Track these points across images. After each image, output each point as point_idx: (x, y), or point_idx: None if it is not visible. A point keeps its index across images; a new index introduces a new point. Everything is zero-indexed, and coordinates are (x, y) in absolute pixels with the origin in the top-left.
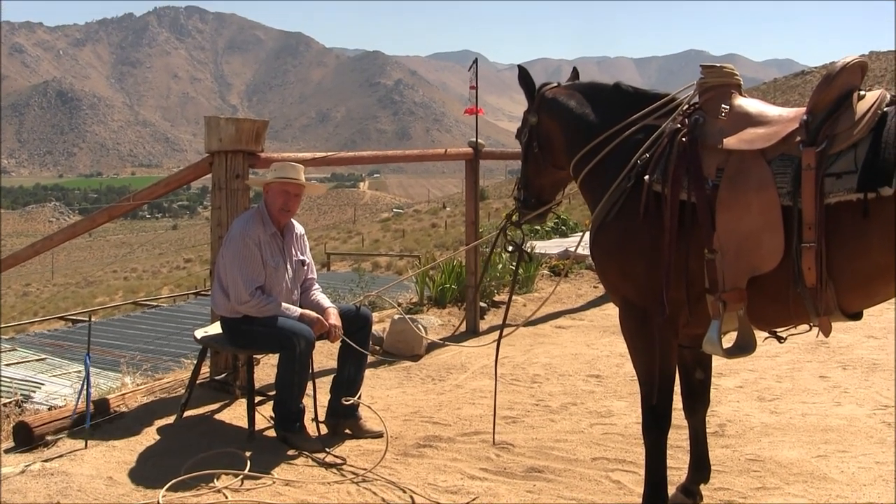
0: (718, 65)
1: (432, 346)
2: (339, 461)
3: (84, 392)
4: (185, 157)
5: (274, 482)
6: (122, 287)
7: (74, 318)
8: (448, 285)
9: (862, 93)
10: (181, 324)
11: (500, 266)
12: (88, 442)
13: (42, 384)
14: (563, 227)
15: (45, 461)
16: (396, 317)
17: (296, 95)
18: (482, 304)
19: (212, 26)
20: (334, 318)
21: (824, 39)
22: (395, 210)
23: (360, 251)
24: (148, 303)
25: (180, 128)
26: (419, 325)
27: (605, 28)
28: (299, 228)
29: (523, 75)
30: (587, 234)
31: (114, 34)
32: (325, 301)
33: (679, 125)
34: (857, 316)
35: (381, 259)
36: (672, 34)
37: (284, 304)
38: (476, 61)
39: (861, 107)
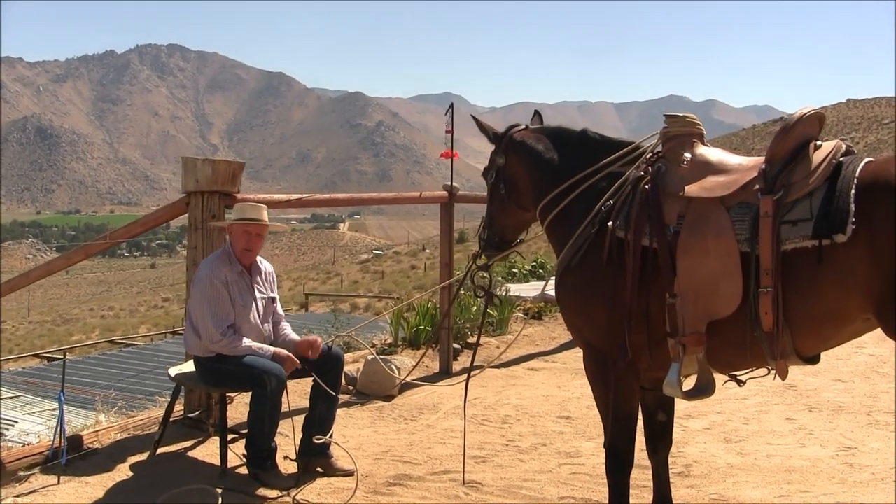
0: (682, 114)
1: (405, 387)
2: (306, 502)
3: (58, 429)
4: (165, 196)
5: None
6: (99, 325)
7: (50, 355)
8: (422, 327)
9: (818, 143)
10: (156, 362)
11: (475, 308)
12: (61, 478)
13: (16, 422)
14: (541, 271)
15: (18, 496)
16: (370, 357)
17: (277, 135)
18: (456, 345)
19: (193, 65)
20: (306, 342)
21: (802, 87)
22: (374, 251)
23: (338, 292)
24: (124, 341)
25: (160, 166)
26: (392, 366)
27: (587, 72)
28: (267, 266)
29: (479, 125)
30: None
31: (94, 71)
32: (295, 337)
33: (642, 173)
34: (813, 360)
35: (359, 300)
36: (652, 79)
37: (256, 344)
38: (452, 106)
39: (817, 156)
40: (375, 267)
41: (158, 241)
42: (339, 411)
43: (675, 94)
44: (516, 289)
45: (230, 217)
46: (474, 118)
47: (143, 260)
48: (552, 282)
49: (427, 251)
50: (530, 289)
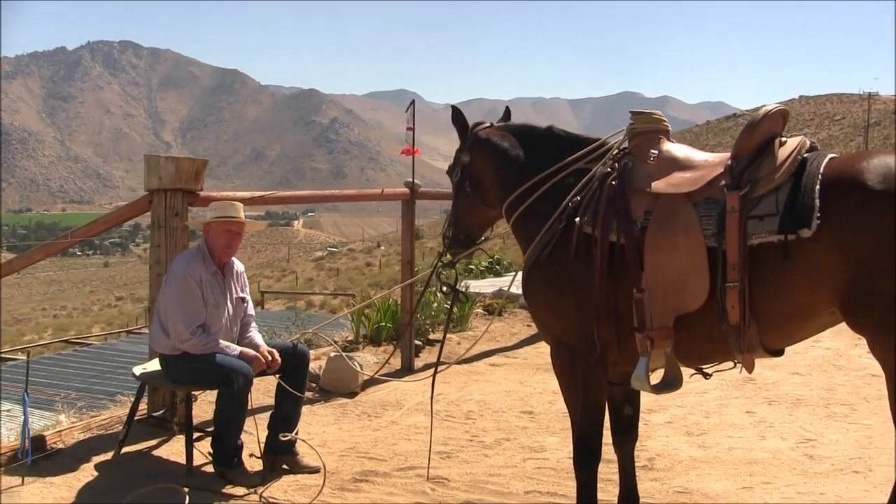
0: (647, 111)
1: (368, 384)
2: (273, 500)
3: (24, 429)
4: (118, 194)
5: None
6: (52, 325)
7: (4, 356)
8: (383, 323)
9: (783, 139)
10: (114, 362)
11: (436, 305)
12: (25, 479)
13: None
14: (498, 267)
15: None
16: (333, 354)
17: (230, 132)
18: (417, 342)
19: (146, 61)
20: (267, 352)
21: (755, 83)
22: (329, 249)
23: (294, 289)
24: (80, 341)
25: (112, 164)
26: (355, 363)
27: (541, 69)
28: (239, 266)
29: (456, 115)
30: (520, 274)
31: (45, 68)
32: (260, 341)
33: (609, 169)
34: (779, 352)
35: (315, 297)
36: (606, 76)
37: (224, 343)
38: (413, 102)
39: (782, 153)
40: (330, 264)
41: (111, 240)
42: (304, 408)
43: (629, 91)
44: (475, 285)
45: (193, 216)
46: (454, 108)
47: (96, 259)
48: (509, 279)
49: (382, 248)
50: (487, 285)
